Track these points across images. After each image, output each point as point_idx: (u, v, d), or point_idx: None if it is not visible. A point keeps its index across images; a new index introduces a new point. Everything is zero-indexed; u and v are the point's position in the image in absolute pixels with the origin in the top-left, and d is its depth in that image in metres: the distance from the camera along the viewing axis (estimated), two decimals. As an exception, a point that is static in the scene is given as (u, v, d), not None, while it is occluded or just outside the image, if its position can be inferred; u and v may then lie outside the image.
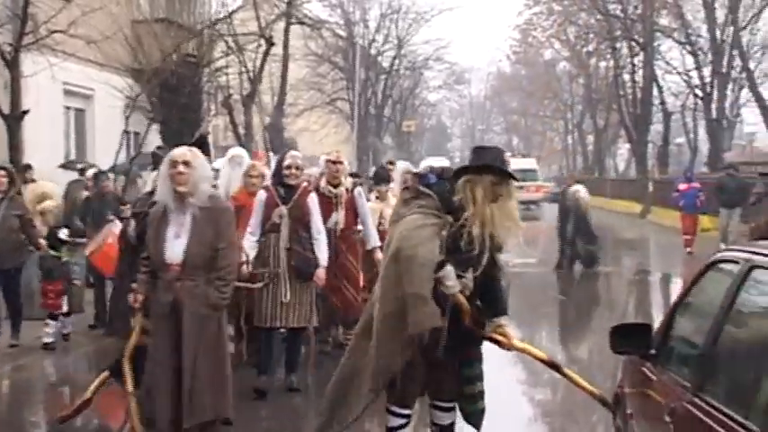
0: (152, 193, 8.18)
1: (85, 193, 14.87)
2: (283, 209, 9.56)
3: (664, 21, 47.88)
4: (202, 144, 8.58)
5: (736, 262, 4.57)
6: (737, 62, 42.36)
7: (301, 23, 37.87)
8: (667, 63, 49.49)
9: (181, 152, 7.11)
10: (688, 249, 24.59)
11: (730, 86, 45.20)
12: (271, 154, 12.09)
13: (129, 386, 7.42)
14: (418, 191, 6.46)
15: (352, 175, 13.22)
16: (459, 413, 6.68)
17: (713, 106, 42.86)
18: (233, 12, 28.71)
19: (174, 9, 25.41)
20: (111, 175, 15.59)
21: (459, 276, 6.11)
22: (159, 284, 7.11)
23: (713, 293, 4.80)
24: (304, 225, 9.62)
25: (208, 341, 6.95)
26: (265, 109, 34.58)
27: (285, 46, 33.66)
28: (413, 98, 70.20)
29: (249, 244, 9.60)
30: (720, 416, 3.94)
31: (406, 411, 6.35)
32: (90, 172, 16.14)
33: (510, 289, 6.87)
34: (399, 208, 6.64)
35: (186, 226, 6.99)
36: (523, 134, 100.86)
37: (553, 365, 6.92)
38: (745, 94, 46.32)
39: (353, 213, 11.04)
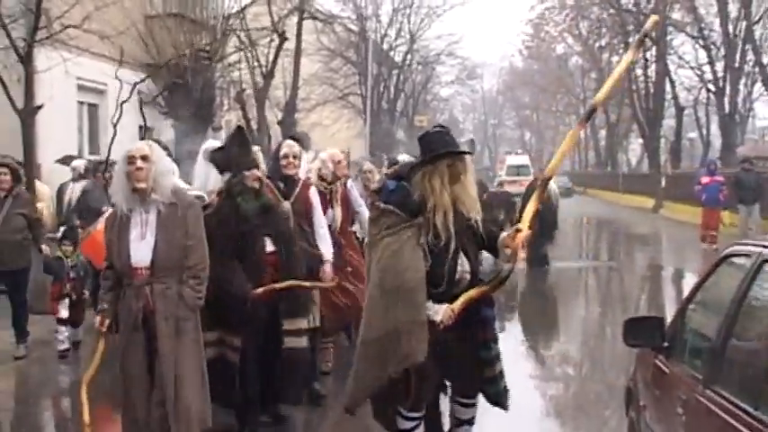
0: None
1: (77, 186, 14.55)
2: (286, 204, 8.66)
3: (676, 15, 47.73)
4: (241, 133, 8.24)
5: (749, 256, 4.60)
6: (750, 56, 42.19)
7: (314, 18, 37.85)
8: (680, 57, 49.41)
9: (138, 147, 6.69)
10: (705, 245, 23.56)
11: (743, 81, 45.09)
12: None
13: (86, 416, 6.86)
14: (380, 208, 6.18)
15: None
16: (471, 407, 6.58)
17: (726, 101, 42.71)
18: (245, 6, 28.70)
19: (187, 4, 25.46)
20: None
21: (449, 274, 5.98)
22: (127, 292, 6.58)
23: (726, 287, 4.83)
24: (308, 220, 9.00)
25: (186, 346, 6.52)
26: (278, 104, 34.61)
27: (298, 41, 33.70)
28: (425, 93, 70.10)
29: None
30: (732, 408, 3.97)
31: (417, 415, 6.22)
32: (78, 162, 15.74)
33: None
34: (371, 228, 6.36)
35: (151, 225, 6.54)
36: (536, 129, 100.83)
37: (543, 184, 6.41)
38: (758, 88, 46.25)
39: (348, 208, 10.38)
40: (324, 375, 9.78)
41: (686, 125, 54.44)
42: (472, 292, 5.95)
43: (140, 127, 21.80)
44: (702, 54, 46.77)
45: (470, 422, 6.40)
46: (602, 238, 34.44)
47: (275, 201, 8.11)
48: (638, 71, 50.85)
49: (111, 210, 7.24)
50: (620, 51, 54.57)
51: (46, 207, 13.64)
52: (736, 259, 4.95)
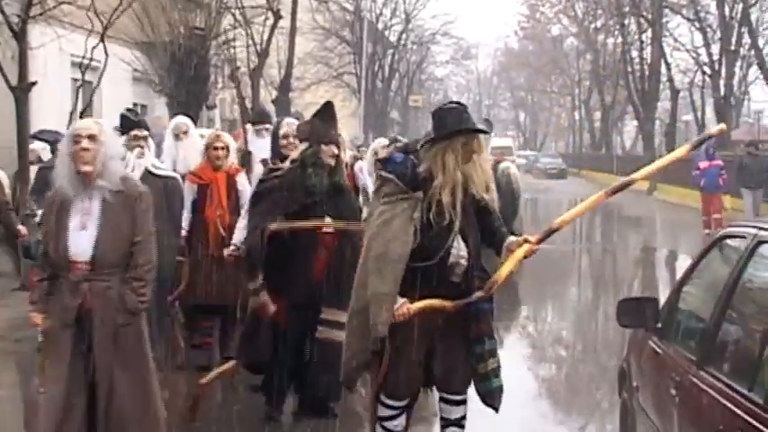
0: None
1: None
2: None
3: (673, -3, 47.68)
4: (329, 108, 7.74)
5: (744, 237, 4.60)
6: (746, 39, 42.12)
7: (309, -3, 37.74)
8: (676, 40, 49.34)
9: (85, 124, 6.05)
10: (709, 231, 21.85)
11: (738, 64, 44.98)
12: (248, 126, 11.29)
13: None
14: (382, 176, 5.98)
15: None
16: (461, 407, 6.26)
17: (721, 83, 42.66)
18: (241, -16, 28.60)
19: (182, -19, 25.34)
20: None
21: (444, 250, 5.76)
22: (62, 286, 5.84)
23: (720, 268, 4.86)
24: None
25: (125, 354, 5.80)
26: (272, 83, 34.53)
27: (293, 19, 33.55)
28: (420, 73, 70.13)
29: (240, 229, 8.45)
30: (725, 388, 3.99)
31: (397, 404, 5.95)
32: (37, 145, 14.66)
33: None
34: (372, 200, 6.20)
35: (94, 214, 5.81)
36: (530, 110, 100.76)
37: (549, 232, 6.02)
38: (754, 71, 46.07)
39: (355, 190, 9.70)
40: None
41: (681, 108, 54.43)
42: (435, 302, 5.71)
43: (134, 105, 21.74)
44: (698, 36, 46.77)
45: (459, 423, 6.03)
46: (596, 221, 34.43)
47: (348, 185, 7.84)
48: (634, 53, 50.87)
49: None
50: (616, 33, 54.61)
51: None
52: (730, 241, 4.95)
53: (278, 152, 8.73)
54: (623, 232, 27.93)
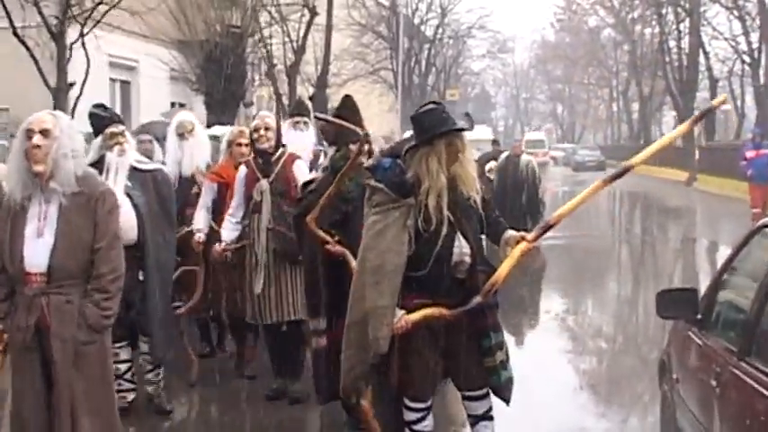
0: (95, 163, 6.94)
1: None
2: (264, 183, 8.01)
3: (711, -14, 47.32)
4: (348, 102, 7.31)
5: None
6: (786, 27, 41.75)
7: (345, -8, 37.77)
8: (714, 29, 49.00)
9: (38, 117, 5.32)
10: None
11: (778, 52, 44.61)
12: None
13: None
14: (371, 186, 5.81)
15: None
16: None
17: (761, 72, 42.32)
18: (276, -18, 28.67)
19: (218, -20, 25.46)
20: None
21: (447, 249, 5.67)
22: (18, 302, 5.26)
23: (760, 258, 4.83)
24: (290, 200, 7.88)
25: (87, 374, 5.23)
26: (309, 79, 34.61)
27: (329, 15, 33.60)
28: (456, 67, 69.94)
29: (228, 227, 8.25)
30: (767, 379, 3.97)
31: (422, 405, 5.86)
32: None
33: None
34: (365, 208, 5.93)
35: (51, 220, 5.20)
36: (568, 102, 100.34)
37: (545, 228, 5.90)
38: (794, 59, 45.73)
39: None
40: None
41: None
42: (434, 311, 5.64)
43: (171, 104, 21.88)
44: (737, 25, 46.44)
45: (487, 416, 5.96)
46: (636, 212, 34.24)
47: None
48: (672, 43, 50.50)
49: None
50: (653, 23, 54.23)
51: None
52: None
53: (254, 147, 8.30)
54: (663, 224, 27.72)
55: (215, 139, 10.76)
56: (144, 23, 20.02)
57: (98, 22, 15.35)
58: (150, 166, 7.77)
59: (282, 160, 8.14)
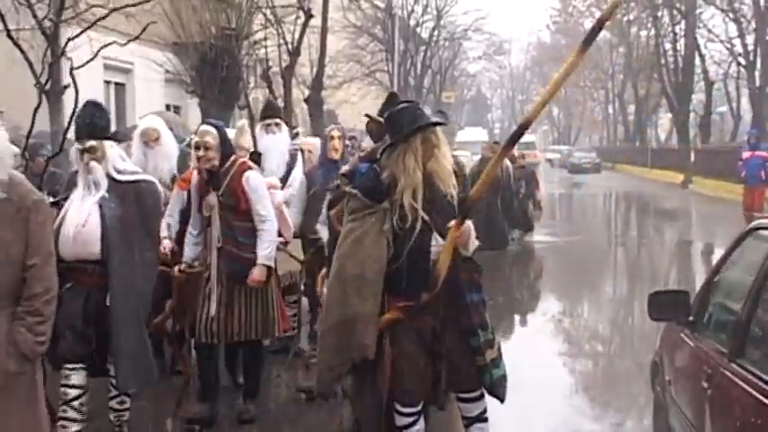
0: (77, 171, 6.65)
1: None
2: (212, 197, 7.41)
3: (706, -12, 47.33)
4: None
5: None
6: (782, 29, 41.77)
7: (340, -5, 37.75)
8: (709, 31, 48.96)
9: None
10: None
11: (774, 54, 44.65)
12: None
13: None
14: (347, 193, 5.84)
15: None
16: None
17: (757, 74, 42.30)
18: (271, -16, 28.66)
19: (212, -18, 25.44)
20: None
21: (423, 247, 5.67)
22: None
23: (751, 260, 4.82)
24: (240, 213, 7.40)
25: (13, 410, 4.60)
26: (304, 81, 34.58)
27: (324, 18, 33.54)
28: (452, 69, 69.98)
29: (189, 242, 7.67)
30: (758, 381, 3.99)
31: (413, 410, 5.82)
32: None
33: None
34: (344, 216, 5.95)
35: None
36: (564, 104, 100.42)
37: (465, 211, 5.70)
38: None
39: None
40: None
41: (716, 99, 54.04)
42: (393, 314, 5.66)
43: (166, 106, 21.87)
44: (732, 27, 46.44)
45: (481, 418, 5.95)
46: (631, 214, 34.26)
47: None
48: (668, 45, 50.54)
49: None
50: (649, 26, 54.29)
51: None
52: (762, 232, 4.94)
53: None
54: (659, 226, 27.73)
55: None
56: (139, 25, 19.96)
57: (92, 24, 15.31)
58: (132, 177, 6.74)
59: (232, 172, 7.42)
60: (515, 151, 20.38)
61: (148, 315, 6.82)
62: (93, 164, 6.54)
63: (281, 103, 28.56)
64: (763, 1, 41.50)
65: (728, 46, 47.47)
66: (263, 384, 8.29)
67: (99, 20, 14.57)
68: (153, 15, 19.50)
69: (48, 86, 15.94)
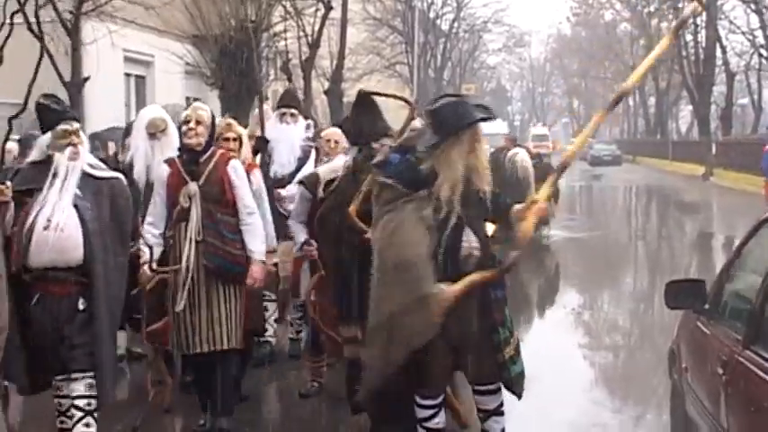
0: (39, 163, 6.03)
1: None
2: (193, 186, 6.75)
3: (727, -21, 47.09)
4: (366, 98, 6.79)
5: None
6: (804, 20, 41.53)
7: (360, -13, 37.73)
8: (731, 22, 48.74)
9: None
10: None
11: (796, 45, 44.40)
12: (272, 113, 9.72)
13: None
14: (379, 183, 5.74)
15: None
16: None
17: (778, 66, 42.10)
18: (291, -24, 28.66)
19: (233, -26, 25.48)
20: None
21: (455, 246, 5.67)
22: None
23: (765, 250, 4.97)
24: (223, 205, 6.81)
25: None
26: (324, 74, 34.59)
27: (343, 10, 33.55)
28: (472, 61, 69.93)
29: (152, 241, 6.84)
30: None
31: (434, 402, 5.85)
32: (11, 145, 11.51)
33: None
34: (374, 207, 5.87)
35: None
36: (584, 97, 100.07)
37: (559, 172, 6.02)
38: (813, 52, 45.48)
39: None
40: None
41: (737, 91, 53.72)
42: (475, 276, 5.63)
43: (186, 98, 21.91)
44: (754, 18, 46.15)
45: (498, 412, 5.94)
46: (652, 206, 34.14)
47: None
48: (689, 37, 50.23)
49: None
50: (670, 17, 53.95)
51: None
52: None
53: (181, 142, 7.04)
54: (679, 218, 27.62)
55: None
56: (159, 18, 20.02)
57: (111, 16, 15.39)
58: (107, 173, 6.23)
59: (214, 160, 6.88)
60: (531, 143, 20.21)
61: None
62: (82, 149, 6.01)
63: (300, 95, 28.60)
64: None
65: (750, 37, 47.25)
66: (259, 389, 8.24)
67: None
68: (173, 8, 19.58)
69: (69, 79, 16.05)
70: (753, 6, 45.00)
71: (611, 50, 75.40)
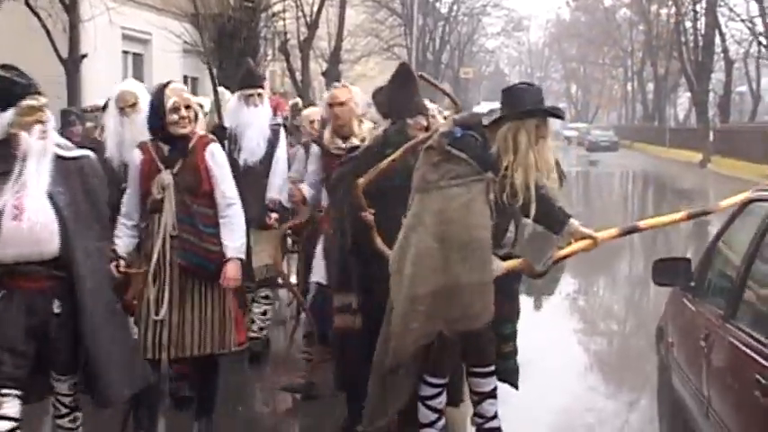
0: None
1: None
2: (166, 175, 6.02)
3: (727, -34, 47.01)
4: (404, 71, 6.53)
5: (767, 200, 5.00)
6: (804, 8, 41.47)
7: (359, -32, 37.64)
8: (731, 9, 48.57)
9: None
10: None
11: (795, 33, 44.36)
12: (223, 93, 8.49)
13: None
14: (449, 153, 5.53)
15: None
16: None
17: (777, 54, 42.06)
18: (290, -44, 28.56)
19: (232, -47, 25.38)
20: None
21: (501, 238, 5.81)
22: None
23: (746, 229, 5.16)
24: (200, 195, 6.07)
25: None
26: (322, 55, 34.53)
27: (343, -9, 33.55)
28: (471, 45, 69.94)
29: (122, 234, 6.08)
30: (747, 338, 4.33)
31: (440, 381, 5.84)
32: None
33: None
34: (427, 173, 5.59)
35: None
36: (582, 82, 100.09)
37: (630, 230, 6.22)
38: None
39: None
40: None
41: (736, 79, 53.68)
42: (516, 263, 5.72)
43: (184, 77, 21.84)
44: (754, 6, 46.03)
45: (492, 394, 5.97)
46: (648, 193, 34.15)
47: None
48: (688, 23, 50.22)
49: None
50: (669, 3, 53.91)
51: None
52: (756, 203, 5.22)
53: (163, 131, 6.07)
54: (676, 205, 27.58)
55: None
56: (156, -4, 19.95)
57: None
58: (75, 152, 5.52)
59: (191, 145, 6.12)
60: None
61: None
62: (50, 126, 5.31)
63: (298, 76, 28.54)
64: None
65: (749, 25, 47.14)
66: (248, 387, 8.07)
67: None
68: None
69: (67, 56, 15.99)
70: (753, -6, 44.96)
71: (609, 36, 75.44)
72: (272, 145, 8.49)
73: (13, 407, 5.12)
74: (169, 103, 5.95)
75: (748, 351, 4.23)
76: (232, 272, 6.02)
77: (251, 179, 8.02)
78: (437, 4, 59.54)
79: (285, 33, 28.48)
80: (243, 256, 6.16)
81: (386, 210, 6.01)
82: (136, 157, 6.10)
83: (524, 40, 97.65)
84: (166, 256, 5.94)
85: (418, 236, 5.52)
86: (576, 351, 9.90)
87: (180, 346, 5.99)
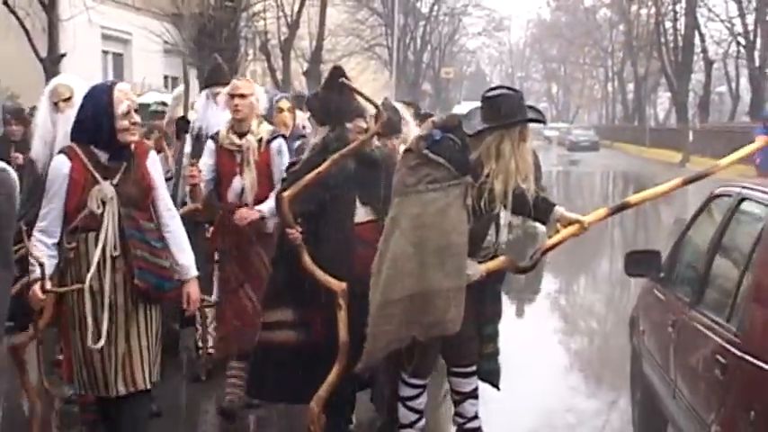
0: None
1: None
2: (107, 187, 5.17)
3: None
4: (339, 74, 6.21)
5: (730, 195, 5.25)
6: (782, 9, 41.68)
7: (340, -32, 37.60)
8: (710, 10, 48.85)
9: None
10: None
11: (774, 34, 44.58)
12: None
13: None
14: (426, 157, 5.49)
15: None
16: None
17: (756, 54, 42.26)
18: (270, -45, 28.53)
19: (212, -48, 25.32)
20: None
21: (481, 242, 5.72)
22: None
23: (711, 222, 5.54)
24: (144, 211, 5.32)
25: None
26: (303, 54, 34.49)
27: (323, -10, 33.53)
28: (452, 45, 69.96)
29: (42, 252, 5.09)
30: (709, 322, 4.66)
31: (421, 382, 5.84)
32: None
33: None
34: (405, 176, 5.54)
35: None
36: (563, 82, 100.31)
37: (621, 207, 6.41)
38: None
39: (268, 178, 6.94)
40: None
41: (715, 79, 53.93)
42: (498, 262, 5.74)
43: (165, 77, 21.77)
44: (733, 7, 46.34)
45: (473, 395, 5.95)
46: (629, 192, 34.21)
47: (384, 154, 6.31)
48: (668, 24, 50.43)
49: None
50: (649, 4, 54.11)
51: None
52: (721, 198, 5.53)
53: (106, 136, 5.18)
54: (655, 203, 27.64)
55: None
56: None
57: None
58: None
59: (131, 151, 5.33)
60: None
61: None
62: None
63: (279, 75, 28.50)
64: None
65: (729, 25, 47.44)
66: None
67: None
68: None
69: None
70: (731, -6, 45.19)
71: (590, 36, 75.62)
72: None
73: None
74: (122, 108, 5.15)
75: (710, 334, 4.55)
76: (195, 293, 5.49)
77: None
78: (418, 4, 59.55)
79: (266, 33, 28.47)
80: (197, 273, 5.54)
81: (330, 218, 5.97)
82: (62, 164, 5.16)
83: (505, 41, 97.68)
84: (105, 278, 5.12)
85: (395, 239, 5.52)
86: (557, 350, 9.90)
87: (129, 379, 5.22)
